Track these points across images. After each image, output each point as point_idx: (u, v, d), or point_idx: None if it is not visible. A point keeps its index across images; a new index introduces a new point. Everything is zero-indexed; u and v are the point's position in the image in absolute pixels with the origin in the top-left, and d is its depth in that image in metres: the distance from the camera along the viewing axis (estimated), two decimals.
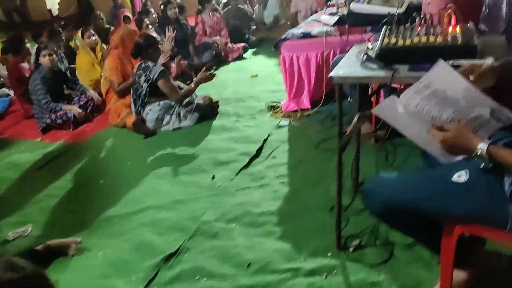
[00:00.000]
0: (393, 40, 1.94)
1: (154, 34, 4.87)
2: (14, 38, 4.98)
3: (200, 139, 3.68)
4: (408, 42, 1.90)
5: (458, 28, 1.95)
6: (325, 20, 3.82)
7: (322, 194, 2.63)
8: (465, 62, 1.78)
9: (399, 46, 1.89)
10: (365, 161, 2.62)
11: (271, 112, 4.03)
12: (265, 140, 3.46)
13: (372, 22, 3.44)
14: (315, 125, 3.61)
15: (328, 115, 3.72)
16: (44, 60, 4.40)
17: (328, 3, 4.91)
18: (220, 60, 6.19)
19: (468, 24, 2.01)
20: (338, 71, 1.94)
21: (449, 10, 2.02)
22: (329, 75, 1.92)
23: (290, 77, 3.87)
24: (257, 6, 7.43)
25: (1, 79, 5.97)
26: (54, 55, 4.50)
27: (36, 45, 4.51)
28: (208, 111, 4.09)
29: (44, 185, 3.28)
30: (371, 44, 2.17)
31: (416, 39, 1.91)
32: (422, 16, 2.11)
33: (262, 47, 6.80)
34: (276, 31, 7.30)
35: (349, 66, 2.00)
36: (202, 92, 4.91)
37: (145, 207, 2.78)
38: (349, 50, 3.44)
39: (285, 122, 3.75)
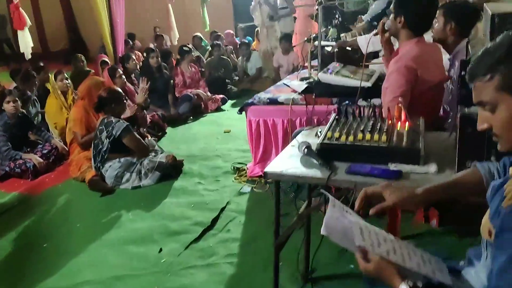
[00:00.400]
0: (337, 134, 1.83)
1: (134, 83, 4.81)
2: None
3: (157, 202, 3.52)
4: (351, 138, 1.79)
5: (407, 125, 1.85)
6: (294, 86, 3.75)
7: (271, 281, 2.45)
8: (407, 168, 1.67)
9: (341, 143, 1.78)
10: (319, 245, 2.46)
11: (236, 174, 3.89)
12: (222, 209, 3.31)
13: (339, 94, 3.40)
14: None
15: (293, 183, 3.58)
16: (8, 107, 4.29)
17: (305, 64, 4.89)
18: (199, 111, 6.12)
19: (418, 122, 1.92)
20: (274, 166, 1.82)
21: (399, 104, 1.92)
22: (264, 170, 1.80)
23: (256, 141, 3.75)
24: (240, 57, 7.43)
25: None
26: (19, 102, 4.39)
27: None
28: (171, 170, 3.95)
29: None
30: (319, 134, 2.06)
31: (360, 135, 1.80)
32: (371, 106, 2.02)
33: (242, 99, 6.72)
34: (258, 84, 7.28)
35: (289, 158, 1.88)
36: (173, 145, 4.83)
37: (83, 282, 2.60)
38: (315, 120, 3.47)
39: (247, 188, 3.61)
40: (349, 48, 3.97)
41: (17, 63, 10.84)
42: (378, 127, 1.86)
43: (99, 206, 3.58)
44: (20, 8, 4.81)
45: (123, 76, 5.14)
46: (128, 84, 5.39)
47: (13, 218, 3.50)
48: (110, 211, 3.46)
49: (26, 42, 4.91)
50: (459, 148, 1.54)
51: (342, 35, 4.21)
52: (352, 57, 3.91)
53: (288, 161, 1.86)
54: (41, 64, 6.20)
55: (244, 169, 3.92)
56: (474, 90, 1.11)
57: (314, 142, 1.89)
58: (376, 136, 1.77)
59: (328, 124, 1.96)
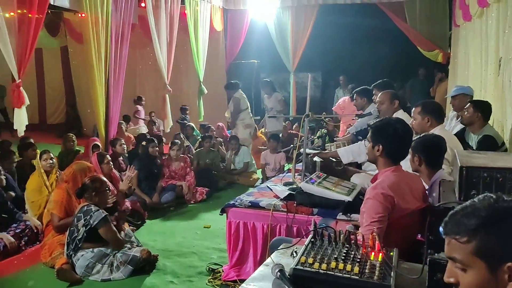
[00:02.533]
0: (310, 260, 1.84)
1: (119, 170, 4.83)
2: None
3: None
4: (324, 266, 1.79)
5: (380, 256, 1.87)
6: (277, 191, 3.80)
7: None
8: None
9: (314, 271, 1.78)
10: None
11: (210, 277, 3.80)
12: None
13: (320, 205, 3.45)
14: None
15: None
16: None
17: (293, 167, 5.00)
18: (182, 201, 6.11)
19: (392, 253, 1.94)
20: (246, 287, 1.80)
21: (373, 234, 1.96)
22: None
23: (234, 243, 3.71)
24: (229, 151, 7.60)
25: None
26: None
27: None
28: (144, 265, 3.85)
29: None
30: (295, 254, 2.06)
31: (333, 263, 1.81)
32: (346, 232, 2.05)
33: (227, 192, 6.78)
34: (244, 177, 7.39)
35: (262, 280, 1.87)
36: (150, 236, 4.75)
37: None
38: (294, 229, 3.48)
39: None
40: (333, 159, 4.10)
41: (9, 133, 10.97)
42: (352, 255, 1.88)
43: None
44: (21, 88, 4.94)
45: (111, 163, 5.17)
46: (114, 170, 5.41)
47: None
48: None
49: (21, 120, 4.99)
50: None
51: (327, 145, 4.37)
52: (335, 168, 4.03)
53: (260, 283, 1.85)
54: (31, 140, 6.29)
55: (219, 271, 3.83)
56: (448, 244, 1.16)
57: (288, 263, 1.89)
58: (348, 267, 1.78)
59: (303, 247, 1.97)
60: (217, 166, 7.42)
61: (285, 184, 4.00)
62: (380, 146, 2.44)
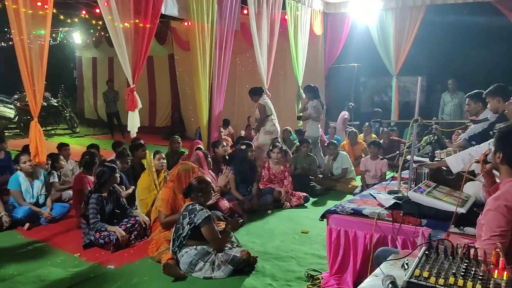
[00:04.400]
0: (425, 273, 1.70)
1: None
2: (87, 155, 5.39)
3: None
4: (441, 281, 1.65)
5: (505, 275, 1.68)
6: (381, 199, 3.63)
7: None
8: None
9: (429, 285, 1.65)
10: None
11: (309, 282, 3.73)
12: None
13: (429, 216, 3.22)
14: None
15: None
16: (103, 189, 4.66)
17: (394, 174, 4.78)
18: (279, 205, 6.12)
19: None
20: None
21: (497, 249, 1.77)
22: None
23: (335, 251, 3.62)
24: (327, 156, 7.47)
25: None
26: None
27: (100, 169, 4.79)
28: (244, 266, 3.90)
29: None
30: (406, 266, 1.93)
31: (451, 279, 1.66)
32: (465, 246, 1.87)
33: (324, 198, 6.67)
34: (342, 184, 7.23)
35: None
36: (249, 238, 4.81)
37: None
38: (400, 239, 3.28)
39: None
40: (444, 168, 3.82)
41: (121, 135, 11.92)
42: (472, 272, 1.71)
43: None
44: (135, 92, 5.32)
45: (209, 159, 5.43)
46: (209, 171, 5.63)
47: None
48: None
49: (134, 122, 5.36)
50: None
51: (436, 152, 4.08)
52: (446, 178, 3.75)
53: None
54: (141, 141, 6.73)
55: (319, 278, 3.76)
56: None
57: (399, 275, 1.78)
58: (469, 284, 1.62)
59: (417, 259, 1.84)
60: (314, 171, 7.34)
61: (390, 193, 3.82)
62: (501, 154, 2.21)
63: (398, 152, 4.34)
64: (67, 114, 14.12)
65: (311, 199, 6.51)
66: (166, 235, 4.37)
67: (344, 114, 10.19)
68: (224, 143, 6.72)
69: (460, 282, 1.64)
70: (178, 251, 3.92)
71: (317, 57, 10.49)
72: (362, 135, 9.43)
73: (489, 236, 2.11)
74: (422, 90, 12.57)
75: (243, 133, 10.55)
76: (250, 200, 5.95)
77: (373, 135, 9.20)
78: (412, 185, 3.67)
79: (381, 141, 7.94)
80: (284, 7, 8.50)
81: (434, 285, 1.65)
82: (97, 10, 9.12)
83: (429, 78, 12.10)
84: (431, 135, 4.10)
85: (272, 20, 8.09)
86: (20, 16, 4.47)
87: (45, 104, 12.84)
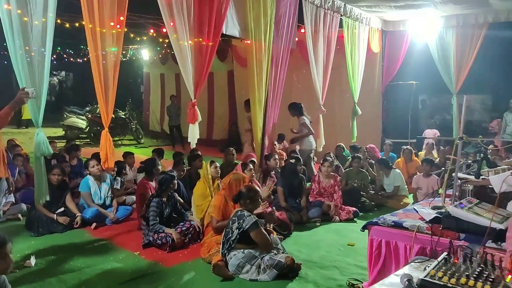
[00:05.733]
0: (440, 273, 1.86)
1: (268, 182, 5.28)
2: (149, 162, 5.86)
3: None
4: (453, 281, 1.80)
5: None
6: (423, 213, 3.72)
7: None
8: None
9: (442, 284, 1.80)
10: None
11: None
12: None
13: (468, 231, 3.29)
14: None
15: None
16: (163, 195, 5.08)
17: (443, 191, 4.79)
18: (328, 218, 6.26)
19: None
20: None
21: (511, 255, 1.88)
22: None
23: (375, 261, 3.74)
24: (381, 172, 7.52)
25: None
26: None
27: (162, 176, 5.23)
28: (288, 271, 4.11)
29: None
30: (427, 268, 2.08)
31: (463, 280, 1.81)
32: (484, 252, 2.00)
33: (374, 214, 6.71)
34: (394, 201, 7.22)
35: (390, 285, 1.95)
36: (295, 247, 5.01)
37: None
38: (440, 252, 3.36)
39: None
40: (490, 186, 3.84)
41: (181, 146, 12.54)
42: (485, 275, 1.84)
43: None
44: (196, 107, 5.75)
45: (253, 171, 5.79)
46: (256, 180, 5.93)
47: (144, 284, 3.99)
48: None
49: (194, 134, 5.78)
50: None
51: (483, 171, 4.10)
52: (490, 195, 3.77)
53: None
54: (199, 152, 7.15)
55: (359, 287, 3.89)
56: None
57: (418, 276, 1.94)
58: (479, 284, 1.77)
59: (436, 262, 2.00)
60: (366, 187, 7.40)
61: (433, 208, 3.89)
62: None
63: (443, 168, 4.38)
64: (133, 126, 15.05)
65: (361, 214, 6.58)
66: (217, 239, 4.68)
67: (435, 132, 10.35)
68: (276, 156, 6.98)
69: (471, 283, 1.79)
70: (227, 254, 4.21)
71: (375, 74, 10.56)
72: (423, 153, 9.34)
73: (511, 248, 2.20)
74: (487, 108, 12.23)
75: (297, 148, 10.75)
76: (299, 212, 6.15)
77: (435, 154, 9.09)
78: (455, 201, 3.73)
79: (437, 160, 7.85)
80: (341, 25, 8.69)
81: (445, 283, 1.80)
82: (164, 30, 9.83)
83: (494, 96, 11.76)
84: (480, 153, 4.13)
85: (328, 38, 8.32)
86: (96, 34, 5.01)
87: (113, 116, 13.80)
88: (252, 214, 4.24)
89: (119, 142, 14.91)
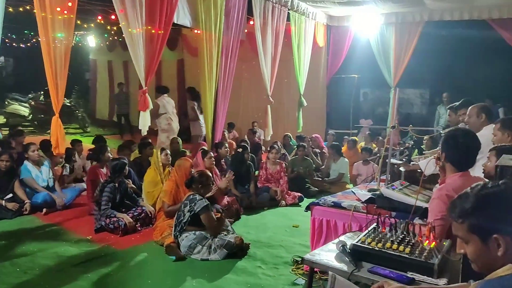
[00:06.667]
0: (369, 240, 2.19)
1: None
2: (98, 149, 5.93)
3: (219, 276, 3.94)
4: (379, 245, 2.13)
5: (433, 244, 2.16)
6: (359, 194, 4.10)
7: None
8: (421, 277, 1.97)
9: (370, 248, 2.13)
10: None
11: (294, 266, 4.21)
12: None
13: (398, 209, 3.69)
14: None
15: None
16: (116, 180, 5.21)
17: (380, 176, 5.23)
18: (275, 203, 6.60)
19: (445, 242, 2.21)
20: (312, 255, 2.20)
21: (429, 225, 2.24)
22: (303, 257, 2.18)
23: (318, 238, 4.08)
24: (327, 159, 7.95)
25: (84, 175, 6.94)
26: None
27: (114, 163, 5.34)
28: (237, 251, 4.39)
29: (70, 281, 3.72)
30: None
31: (388, 244, 2.14)
32: (407, 222, 2.35)
33: (317, 199, 7.11)
34: (336, 187, 7.66)
35: (327, 252, 2.26)
36: (244, 229, 5.29)
37: None
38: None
39: (301, 281, 3.91)
40: (419, 170, 4.29)
41: (130, 135, 12.45)
42: (406, 240, 2.19)
43: (170, 269, 4.09)
44: (147, 94, 5.84)
45: (213, 159, 5.95)
46: (215, 168, 6.13)
47: (99, 265, 4.12)
48: (179, 275, 3.94)
49: (145, 122, 5.88)
50: (463, 268, 1.83)
51: (414, 157, 4.55)
52: (419, 179, 4.22)
53: (325, 254, 2.24)
54: (149, 140, 7.25)
55: (303, 263, 4.23)
56: (453, 226, 1.49)
57: (350, 244, 2.25)
58: (401, 247, 2.10)
59: (366, 230, 2.32)
60: (310, 174, 7.81)
61: (369, 190, 4.29)
62: (443, 154, 2.69)
63: (378, 155, 4.81)
64: (80, 114, 14.71)
65: (306, 199, 6.97)
66: (169, 223, 4.86)
67: (369, 121, 10.86)
68: (226, 145, 7.22)
69: (394, 246, 2.13)
70: (179, 236, 4.41)
71: (320, 68, 11.01)
72: (363, 143, 9.89)
73: (432, 220, 2.57)
74: (425, 102, 13.05)
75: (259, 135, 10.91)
76: (248, 197, 6.45)
77: (374, 144, 9.66)
78: (388, 184, 4.14)
79: (376, 149, 8.39)
80: (288, 19, 9.01)
81: (373, 247, 2.13)
82: (113, 17, 9.74)
83: (431, 90, 12.57)
84: (409, 141, 4.58)
85: (276, 31, 8.61)
86: (47, 20, 5.00)
87: None
88: (204, 198, 4.46)
89: (64, 131, 14.48)
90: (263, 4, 8.10)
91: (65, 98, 14.48)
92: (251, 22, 8.49)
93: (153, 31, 6.05)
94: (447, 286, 1.77)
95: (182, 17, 6.80)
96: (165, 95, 8.38)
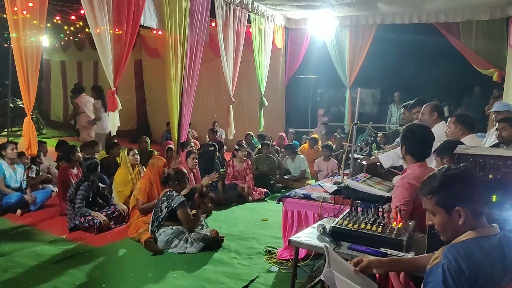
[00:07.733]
0: (346, 222, 2.50)
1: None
2: (68, 149, 5.97)
3: (197, 267, 4.16)
4: (355, 226, 2.45)
5: (400, 224, 2.50)
6: (326, 187, 4.45)
7: None
8: (392, 252, 2.30)
9: (347, 229, 2.44)
10: None
11: (267, 256, 4.50)
12: (252, 280, 3.90)
13: (363, 199, 4.05)
14: (301, 277, 4.01)
15: (316, 269, 4.13)
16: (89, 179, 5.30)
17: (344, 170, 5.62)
18: (243, 199, 6.87)
19: (410, 223, 2.56)
20: (297, 237, 2.49)
21: (396, 209, 2.58)
22: (289, 238, 2.46)
23: (289, 228, 4.39)
24: (286, 157, 8.29)
25: (50, 176, 6.93)
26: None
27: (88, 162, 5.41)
28: (213, 243, 4.62)
29: (54, 277, 3.82)
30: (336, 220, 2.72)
31: (362, 225, 2.46)
32: (376, 207, 2.68)
33: (282, 194, 7.45)
34: (299, 183, 8.03)
35: (309, 234, 2.55)
36: (216, 224, 5.52)
37: None
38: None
39: (275, 268, 4.20)
40: (378, 163, 4.70)
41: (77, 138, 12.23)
42: (377, 222, 2.52)
43: (150, 263, 4.27)
44: (115, 94, 5.94)
45: (196, 159, 6.16)
46: (197, 168, 6.40)
47: (78, 262, 4.23)
48: (159, 268, 4.12)
49: (114, 121, 5.97)
50: (428, 242, 2.17)
51: (373, 152, 4.95)
52: (379, 171, 4.63)
53: (307, 236, 2.53)
54: (115, 141, 7.31)
55: (275, 253, 4.53)
56: (423, 201, 1.81)
57: (329, 226, 2.56)
58: (374, 228, 2.43)
59: (342, 215, 2.64)
60: (274, 171, 8.13)
61: (335, 183, 4.65)
62: (403, 147, 3.06)
63: (341, 150, 5.18)
64: (34, 116, 14.27)
65: (271, 195, 7.29)
66: (144, 219, 5.02)
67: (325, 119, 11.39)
68: (192, 144, 7.41)
69: (368, 227, 2.45)
70: (156, 231, 4.59)
71: (279, 68, 11.37)
72: (320, 141, 10.33)
73: (396, 205, 2.92)
74: (376, 101, 13.70)
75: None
76: (216, 194, 6.68)
77: (330, 142, 10.12)
78: (352, 176, 4.51)
79: (334, 146, 8.83)
80: (249, 21, 9.30)
81: (350, 228, 2.44)
82: (72, 17, 9.67)
83: (382, 90, 13.22)
84: (369, 137, 4.97)
85: (238, 33, 8.87)
86: (18, 22, 5.02)
87: (11, 105, 13.04)
88: (180, 194, 4.66)
89: (18, 133, 14.10)
90: (225, 6, 8.34)
91: (18, 100, 14.16)
92: (213, 24, 8.70)
93: (120, 32, 6.15)
94: (415, 256, 2.11)
95: (148, 18, 6.91)
96: (83, 94, 8.61)
